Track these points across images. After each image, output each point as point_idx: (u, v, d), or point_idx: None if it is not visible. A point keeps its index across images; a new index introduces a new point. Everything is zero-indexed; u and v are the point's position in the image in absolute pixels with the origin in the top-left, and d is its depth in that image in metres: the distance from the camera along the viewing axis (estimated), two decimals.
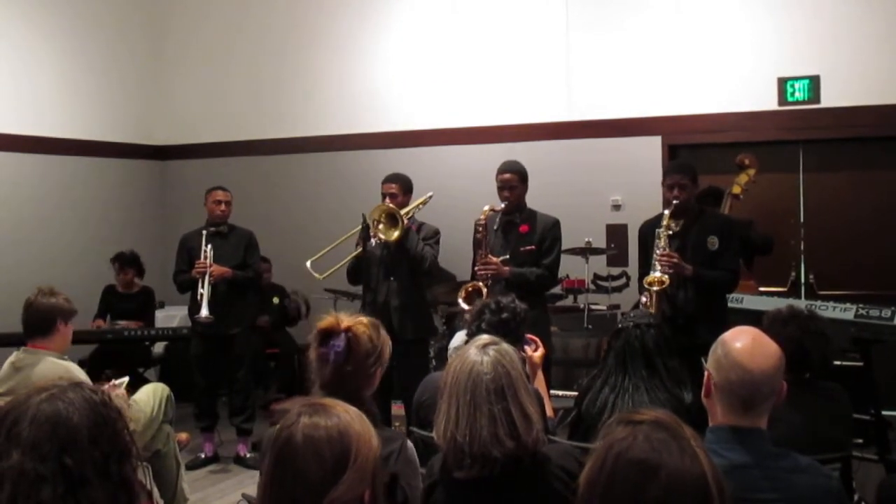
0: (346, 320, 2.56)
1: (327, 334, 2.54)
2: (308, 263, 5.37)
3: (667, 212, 4.55)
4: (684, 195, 4.53)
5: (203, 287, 5.62)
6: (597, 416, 3.12)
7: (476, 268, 4.86)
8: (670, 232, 4.52)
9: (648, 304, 4.39)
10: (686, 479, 1.46)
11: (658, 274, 4.43)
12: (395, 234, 4.97)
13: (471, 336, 3.25)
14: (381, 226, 4.99)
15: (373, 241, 5.09)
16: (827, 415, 3.07)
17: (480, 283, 4.75)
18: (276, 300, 7.29)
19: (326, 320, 2.56)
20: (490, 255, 4.80)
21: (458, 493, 2.30)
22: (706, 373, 2.19)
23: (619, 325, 3.35)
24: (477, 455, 2.20)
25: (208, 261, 5.68)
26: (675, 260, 4.43)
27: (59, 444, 1.44)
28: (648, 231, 4.70)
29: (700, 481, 1.47)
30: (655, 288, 4.41)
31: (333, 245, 5.47)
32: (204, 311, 5.57)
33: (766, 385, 2.10)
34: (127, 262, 6.83)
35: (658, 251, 4.47)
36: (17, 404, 1.49)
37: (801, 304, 4.96)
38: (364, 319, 2.61)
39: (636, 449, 1.49)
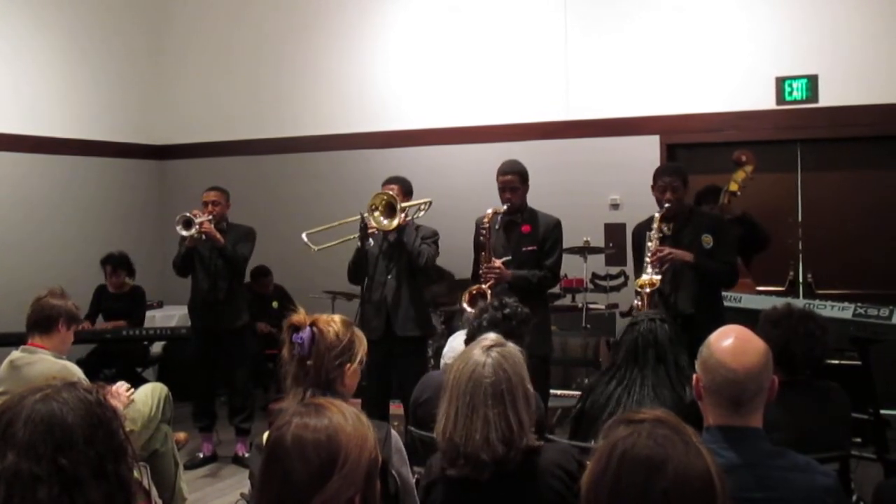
0: (315, 316, 2.59)
1: (295, 328, 2.57)
2: (304, 235, 5.38)
3: (657, 214, 4.55)
4: (676, 197, 4.54)
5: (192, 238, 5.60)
6: (600, 410, 3.13)
7: (480, 270, 4.86)
8: (661, 234, 4.51)
9: (641, 306, 4.38)
10: (692, 472, 1.48)
11: (648, 276, 4.43)
12: (395, 222, 4.96)
13: (473, 333, 3.26)
14: (377, 213, 4.98)
15: (370, 240, 5.09)
16: (825, 415, 3.07)
17: (484, 286, 4.75)
18: (275, 304, 7.29)
19: (296, 316, 2.59)
20: (493, 259, 4.80)
21: (455, 491, 2.31)
22: (695, 376, 2.20)
23: (633, 320, 3.36)
24: (469, 456, 2.22)
25: (206, 217, 5.63)
26: (669, 254, 4.42)
27: (54, 445, 1.44)
28: (641, 233, 4.69)
29: (705, 475, 1.48)
30: (647, 290, 4.41)
31: (333, 225, 5.48)
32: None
33: (753, 383, 2.10)
34: (117, 263, 6.82)
35: (649, 253, 4.47)
36: (11, 405, 1.49)
37: (800, 303, 4.95)
38: (336, 317, 2.63)
39: (640, 446, 1.50)
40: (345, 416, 1.62)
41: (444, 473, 2.30)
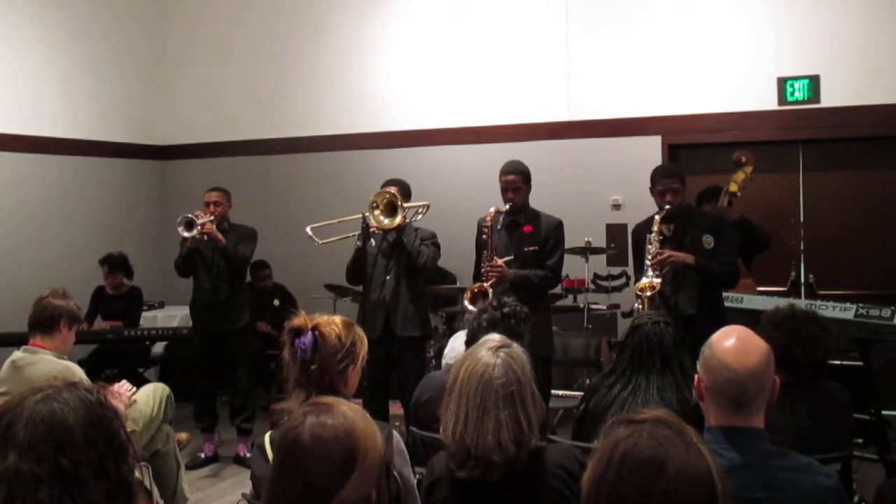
0: (316, 319, 2.59)
1: (297, 332, 2.57)
2: (308, 228, 5.38)
3: (657, 216, 4.52)
4: (676, 199, 4.51)
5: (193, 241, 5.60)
6: (604, 412, 3.12)
7: (482, 269, 4.85)
8: (661, 237, 4.49)
9: (641, 310, 4.35)
10: (693, 472, 1.48)
11: (648, 280, 4.41)
12: (396, 221, 4.96)
13: (473, 333, 3.25)
14: (377, 211, 4.98)
15: (371, 241, 5.09)
16: (826, 415, 3.07)
17: (486, 285, 4.74)
18: (276, 302, 7.29)
19: (296, 319, 2.59)
20: (495, 258, 4.79)
21: (461, 491, 2.31)
22: (696, 376, 2.20)
23: (636, 323, 3.32)
24: (480, 457, 2.22)
25: (207, 218, 5.62)
26: (669, 257, 4.41)
27: (55, 445, 1.44)
28: (641, 233, 4.67)
29: (706, 475, 1.48)
30: (648, 293, 4.39)
31: (334, 222, 5.50)
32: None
33: (754, 383, 2.10)
34: (115, 264, 6.83)
35: (649, 256, 4.45)
36: (12, 405, 1.48)
37: (802, 303, 4.94)
38: (336, 319, 2.63)
39: (642, 446, 1.50)
40: (354, 413, 1.64)
41: (452, 475, 2.30)
